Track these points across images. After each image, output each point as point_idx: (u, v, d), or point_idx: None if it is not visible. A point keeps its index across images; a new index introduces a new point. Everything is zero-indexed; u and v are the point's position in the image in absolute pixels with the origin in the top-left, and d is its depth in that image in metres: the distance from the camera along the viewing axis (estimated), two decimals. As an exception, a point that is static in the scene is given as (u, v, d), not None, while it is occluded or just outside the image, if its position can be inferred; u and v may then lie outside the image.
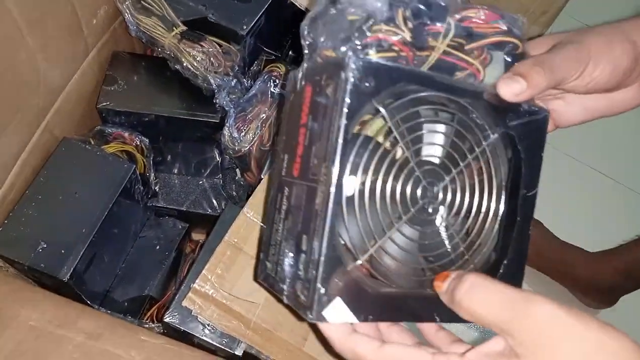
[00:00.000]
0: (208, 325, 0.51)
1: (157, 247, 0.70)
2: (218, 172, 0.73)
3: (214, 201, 0.72)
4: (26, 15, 0.48)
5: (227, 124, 0.62)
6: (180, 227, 0.71)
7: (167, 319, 0.52)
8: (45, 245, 0.52)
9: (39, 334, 0.45)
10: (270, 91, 0.61)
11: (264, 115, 0.61)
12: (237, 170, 0.73)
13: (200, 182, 0.73)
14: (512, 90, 0.34)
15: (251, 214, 0.53)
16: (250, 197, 0.53)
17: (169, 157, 0.72)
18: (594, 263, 0.93)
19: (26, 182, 0.56)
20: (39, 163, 0.57)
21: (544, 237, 0.95)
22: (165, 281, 0.69)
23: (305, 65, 0.36)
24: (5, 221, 0.53)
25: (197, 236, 0.77)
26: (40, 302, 0.48)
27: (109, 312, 0.60)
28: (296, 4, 0.62)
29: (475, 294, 0.30)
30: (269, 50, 0.69)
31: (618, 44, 0.37)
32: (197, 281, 0.49)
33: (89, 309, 0.50)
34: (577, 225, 1.05)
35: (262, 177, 0.58)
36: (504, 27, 0.35)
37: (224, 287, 0.50)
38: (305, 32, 0.36)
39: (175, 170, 0.73)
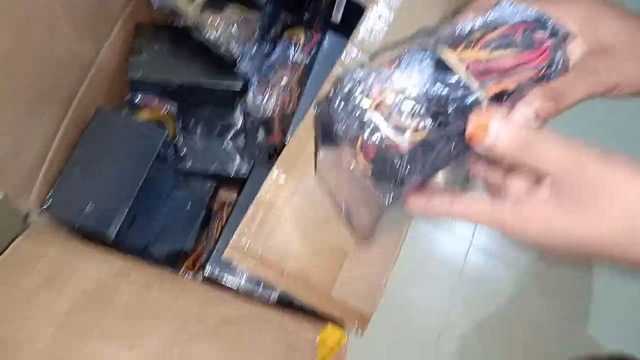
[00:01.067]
0: (245, 274, 0.57)
1: (188, 206, 0.75)
2: (241, 134, 0.77)
3: (238, 162, 0.77)
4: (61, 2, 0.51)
5: (250, 90, 0.65)
6: (208, 185, 0.76)
7: (207, 272, 0.58)
8: (93, 206, 0.58)
9: (98, 285, 0.51)
10: (290, 57, 0.64)
11: (285, 80, 0.65)
12: (260, 132, 0.78)
13: (225, 144, 0.77)
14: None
15: (279, 173, 0.57)
16: (279, 157, 0.58)
17: (194, 121, 0.76)
18: None
19: (65, 153, 0.60)
20: (79, 132, 0.61)
21: None
22: (197, 237, 0.75)
23: None
24: (55, 186, 0.58)
25: (224, 194, 0.82)
26: (96, 257, 0.53)
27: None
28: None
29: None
30: (287, 14, 0.71)
31: None
32: (234, 235, 0.54)
33: (138, 263, 0.55)
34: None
35: (287, 139, 0.62)
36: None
37: (259, 240, 0.55)
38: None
39: (201, 134, 0.77)
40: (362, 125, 0.36)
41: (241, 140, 0.76)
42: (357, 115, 0.36)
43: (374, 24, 0.59)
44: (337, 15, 0.70)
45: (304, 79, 0.64)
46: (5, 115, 0.49)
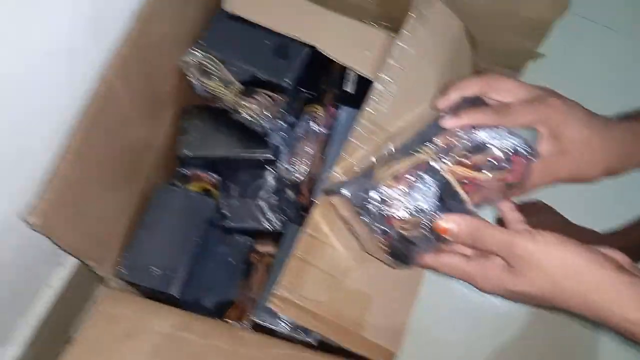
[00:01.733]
0: (287, 321, 0.67)
1: (231, 260, 0.85)
2: (273, 194, 0.88)
3: (272, 218, 0.87)
4: (131, 101, 0.63)
5: (281, 159, 0.77)
6: (246, 242, 0.87)
7: (255, 318, 0.68)
8: (157, 270, 0.69)
9: (166, 337, 0.62)
10: (313, 130, 0.76)
11: (309, 149, 0.76)
12: (290, 192, 0.89)
13: (259, 203, 0.88)
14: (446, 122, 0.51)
15: (310, 231, 0.68)
16: (308, 217, 0.68)
17: (233, 184, 0.87)
18: (610, 237, 1.05)
19: (135, 222, 0.72)
20: (143, 204, 0.73)
21: (560, 223, 1.08)
22: (240, 287, 0.85)
23: None
24: (125, 254, 0.69)
25: (261, 247, 0.92)
26: (164, 314, 0.64)
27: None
28: (328, 56, 0.76)
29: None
30: (308, 92, 0.83)
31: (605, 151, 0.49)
32: (275, 288, 0.64)
33: (197, 317, 0.66)
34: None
35: (313, 199, 0.73)
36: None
37: (296, 290, 0.65)
38: None
39: (239, 195, 0.88)
40: (377, 229, 0.50)
41: (274, 199, 0.87)
42: (373, 218, 0.50)
43: (381, 96, 0.69)
44: (347, 84, 0.82)
45: (325, 147, 0.75)
46: (95, 192, 0.61)
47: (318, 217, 0.68)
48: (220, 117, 0.80)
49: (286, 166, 0.76)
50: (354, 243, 0.69)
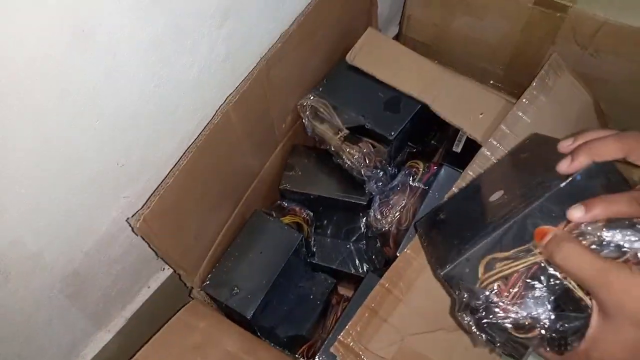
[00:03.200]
0: (347, 369, 0.66)
1: (311, 297, 0.87)
2: (362, 239, 0.89)
3: (358, 263, 0.88)
4: (244, 131, 0.70)
5: (373, 207, 0.78)
6: (329, 282, 0.89)
7: (317, 358, 0.69)
8: (238, 290, 0.73)
9: (232, 358, 0.65)
10: (409, 184, 0.76)
11: (403, 202, 0.76)
12: (378, 240, 0.89)
13: (348, 246, 0.90)
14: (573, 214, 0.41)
15: (387, 285, 0.67)
16: (388, 271, 0.68)
17: (325, 223, 0.91)
18: None
19: (227, 242, 0.78)
20: (238, 227, 0.79)
21: None
22: (315, 325, 0.87)
23: None
24: (213, 270, 0.75)
25: (342, 290, 0.93)
26: (234, 334, 0.68)
27: (272, 344, 0.78)
28: (438, 114, 0.77)
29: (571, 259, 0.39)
30: (412, 145, 0.84)
31: None
32: (342, 334, 0.65)
33: (264, 343, 0.68)
34: None
35: (398, 253, 0.72)
36: None
37: (362, 342, 0.65)
38: None
39: (330, 234, 0.91)
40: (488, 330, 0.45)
41: (362, 244, 0.88)
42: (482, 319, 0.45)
43: (486, 161, 0.68)
44: (458, 146, 0.81)
45: (419, 203, 0.75)
46: (197, 209, 0.68)
47: (398, 271, 0.68)
48: (325, 159, 0.83)
49: (377, 215, 0.76)
50: (429, 308, 0.68)
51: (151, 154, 0.62)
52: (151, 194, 0.61)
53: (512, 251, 0.44)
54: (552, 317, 0.41)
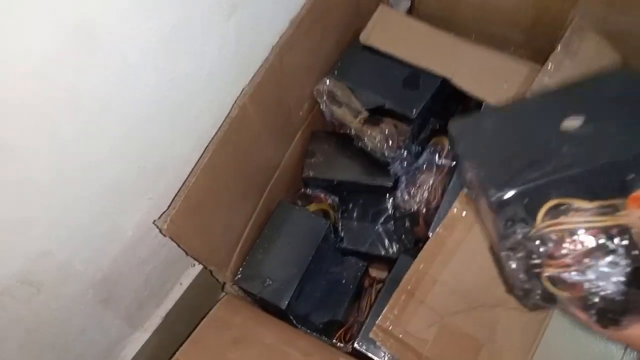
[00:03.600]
0: (388, 353, 0.66)
1: (343, 281, 0.87)
2: (390, 221, 0.87)
3: (388, 244, 0.87)
4: (263, 123, 0.69)
5: (400, 188, 0.76)
6: (360, 265, 0.88)
7: (356, 346, 0.68)
8: (270, 282, 0.73)
9: (269, 348, 0.65)
10: (435, 162, 0.74)
11: (430, 181, 0.74)
12: (406, 221, 0.88)
13: (376, 228, 0.88)
14: None
15: (421, 266, 0.66)
16: (421, 251, 0.67)
17: (352, 207, 0.89)
18: None
19: (255, 235, 0.77)
20: (264, 218, 0.78)
21: None
22: (349, 309, 0.86)
23: None
24: (244, 263, 0.74)
25: (374, 272, 0.92)
26: (271, 325, 0.68)
27: (309, 331, 0.78)
28: (460, 89, 0.74)
29: None
30: (435, 121, 0.82)
31: None
32: (380, 318, 0.64)
33: (301, 332, 0.68)
34: None
35: (430, 233, 0.71)
36: None
37: (400, 325, 0.64)
38: None
39: (356, 218, 0.89)
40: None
41: (391, 225, 0.87)
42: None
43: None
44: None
45: (447, 181, 0.73)
46: (222, 205, 0.67)
47: (432, 251, 0.66)
48: (346, 143, 0.82)
49: (404, 195, 0.75)
50: (467, 285, 0.66)
51: (170, 153, 0.62)
52: (175, 194, 0.60)
53: (592, 204, 0.36)
54: (621, 288, 0.36)
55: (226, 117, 0.63)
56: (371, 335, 0.64)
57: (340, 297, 0.85)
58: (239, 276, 0.73)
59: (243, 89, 0.65)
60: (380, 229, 0.88)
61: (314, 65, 0.77)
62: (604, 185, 0.36)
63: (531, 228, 0.38)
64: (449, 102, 0.82)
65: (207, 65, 0.59)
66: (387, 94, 0.75)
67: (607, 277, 0.36)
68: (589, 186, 0.37)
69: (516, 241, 0.38)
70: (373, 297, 0.86)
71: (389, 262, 0.88)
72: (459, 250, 0.66)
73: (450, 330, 0.65)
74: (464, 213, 0.66)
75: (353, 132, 0.77)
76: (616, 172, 0.36)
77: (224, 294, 0.72)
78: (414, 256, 0.73)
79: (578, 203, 0.36)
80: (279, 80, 0.69)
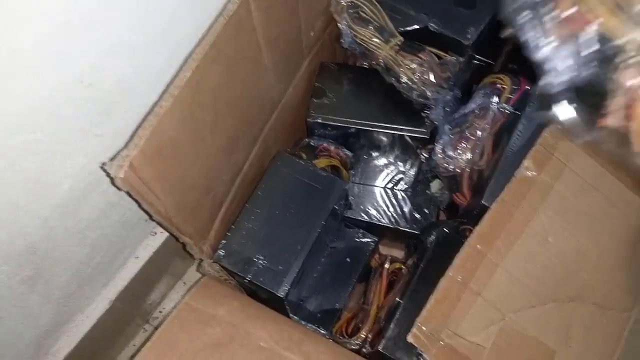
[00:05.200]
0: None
1: (347, 260, 0.68)
2: (409, 185, 0.69)
3: (406, 215, 0.69)
4: (266, 35, 0.47)
5: (441, 141, 0.57)
6: (369, 240, 0.69)
7: (381, 349, 0.50)
8: (264, 261, 0.53)
9: (268, 355, 0.46)
10: (491, 106, 0.56)
11: (482, 132, 0.56)
12: (431, 184, 0.70)
13: (388, 193, 0.70)
14: None
15: (478, 245, 0.48)
16: (477, 227, 0.49)
17: (363, 166, 0.70)
18: None
19: (244, 192, 0.57)
20: (256, 175, 0.58)
21: None
22: (353, 294, 0.68)
23: None
24: (228, 233, 0.54)
25: (385, 249, 0.74)
26: (267, 321, 0.48)
27: (304, 322, 0.60)
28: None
29: None
30: (482, 58, 0.63)
31: None
32: (420, 318, 0.46)
33: (307, 331, 0.50)
34: None
35: (486, 202, 0.53)
36: None
37: (449, 326, 0.47)
38: None
39: (368, 181, 0.70)
40: None
41: (409, 190, 0.68)
42: None
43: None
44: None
45: (507, 135, 0.55)
46: (203, 149, 0.46)
47: (494, 227, 0.49)
48: (368, 78, 0.62)
49: (447, 151, 0.56)
50: (537, 274, 0.49)
51: (134, 64, 0.40)
52: (136, 128, 0.39)
53: None
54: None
55: (219, 15, 0.41)
56: (409, 339, 0.46)
57: (343, 281, 0.67)
58: (221, 251, 0.53)
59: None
60: (398, 196, 0.70)
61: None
62: None
63: None
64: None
65: None
66: (432, 12, 0.56)
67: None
68: None
69: None
70: (385, 281, 0.69)
71: (407, 238, 0.70)
72: (528, 228, 0.49)
73: (514, 332, 0.48)
74: (536, 175, 0.49)
75: (381, 62, 0.58)
76: None
77: (199, 275, 0.52)
78: (452, 231, 0.56)
79: None
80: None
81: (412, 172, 0.69)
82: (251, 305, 0.51)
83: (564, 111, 0.38)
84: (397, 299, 0.57)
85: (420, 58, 0.56)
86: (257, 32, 0.46)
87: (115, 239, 0.55)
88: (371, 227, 0.70)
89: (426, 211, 0.69)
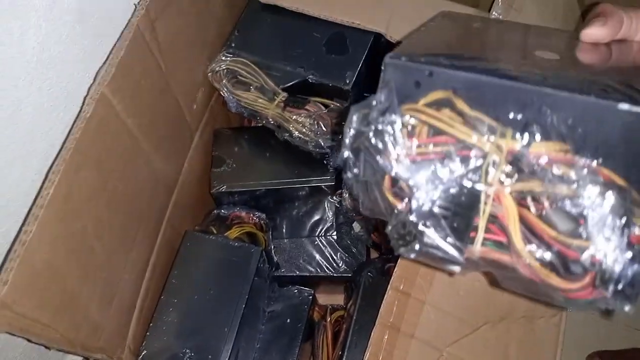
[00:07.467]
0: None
1: (288, 321, 0.66)
2: (332, 230, 0.68)
3: (334, 260, 0.68)
4: (139, 123, 0.46)
5: (346, 186, 0.57)
6: (306, 294, 0.67)
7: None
8: (191, 354, 0.50)
9: None
10: (387, 142, 0.56)
11: (384, 169, 0.56)
12: (353, 224, 0.69)
13: (316, 242, 0.69)
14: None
15: (401, 286, 0.48)
16: (396, 267, 0.48)
17: (279, 221, 0.69)
18: None
19: (158, 283, 0.54)
20: (167, 260, 0.55)
21: None
22: (302, 354, 0.65)
23: None
24: (147, 333, 0.51)
25: (324, 298, 0.72)
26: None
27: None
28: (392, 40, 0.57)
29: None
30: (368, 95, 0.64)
31: None
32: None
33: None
34: None
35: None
36: None
37: (391, 375, 0.45)
38: None
39: (289, 234, 0.69)
40: None
41: (332, 234, 0.68)
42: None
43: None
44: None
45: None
46: (96, 255, 0.43)
47: (407, 265, 0.48)
48: (266, 136, 0.61)
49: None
50: (464, 300, 0.49)
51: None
52: (5, 256, 0.36)
53: (478, 112, 0.28)
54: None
55: (75, 120, 0.39)
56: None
57: (288, 344, 0.64)
58: (144, 353, 0.50)
59: (97, 72, 0.42)
60: (323, 243, 0.69)
61: (203, 36, 0.56)
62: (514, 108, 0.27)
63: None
64: (379, 68, 0.64)
65: (32, 41, 0.35)
66: (308, 64, 0.56)
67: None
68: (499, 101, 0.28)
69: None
70: (330, 333, 0.67)
71: (342, 282, 0.69)
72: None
73: (455, 366, 0.47)
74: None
75: (271, 121, 0.57)
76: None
77: (123, 386, 0.48)
78: (378, 270, 0.55)
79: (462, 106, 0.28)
80: (155, 57, 0.47)
81: (331, 216, 0.68)
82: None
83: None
84: (339, 352, 0.55)
85: (307, 110, 0.56)
86: (127, 123, 0.44)
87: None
88: (306, 280, 0.68)
89: (354, 251, 0.68)
